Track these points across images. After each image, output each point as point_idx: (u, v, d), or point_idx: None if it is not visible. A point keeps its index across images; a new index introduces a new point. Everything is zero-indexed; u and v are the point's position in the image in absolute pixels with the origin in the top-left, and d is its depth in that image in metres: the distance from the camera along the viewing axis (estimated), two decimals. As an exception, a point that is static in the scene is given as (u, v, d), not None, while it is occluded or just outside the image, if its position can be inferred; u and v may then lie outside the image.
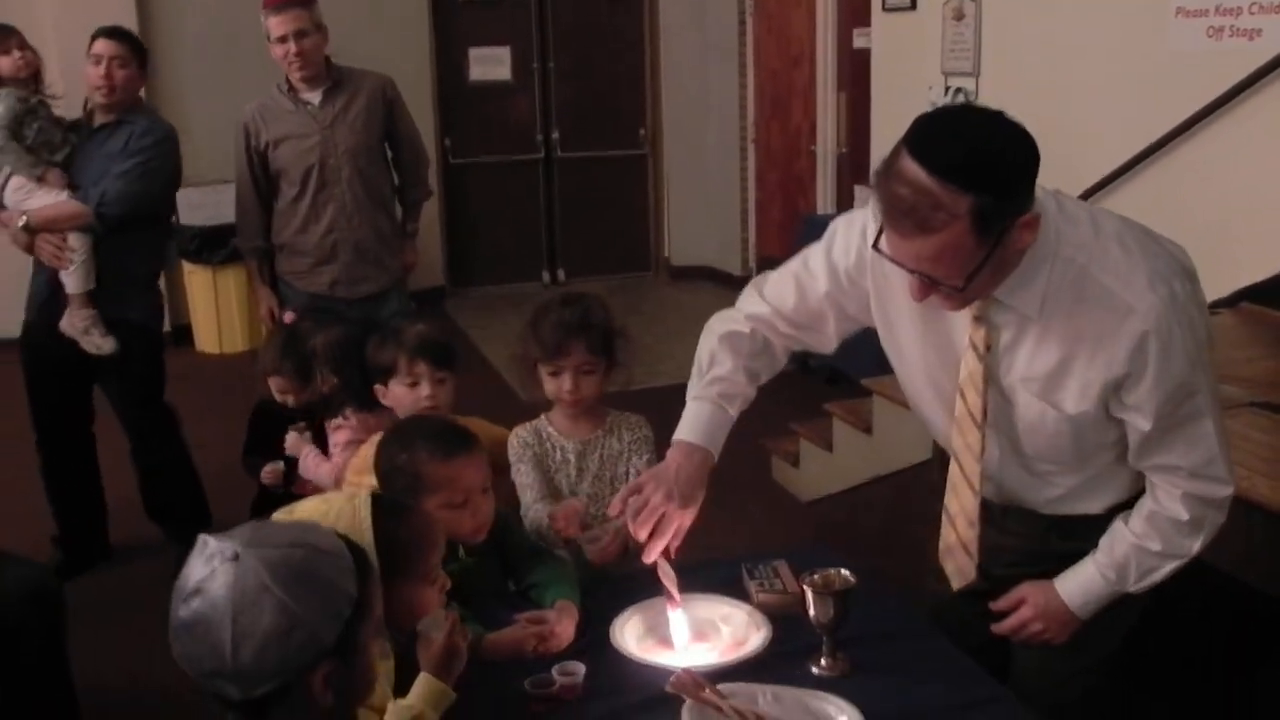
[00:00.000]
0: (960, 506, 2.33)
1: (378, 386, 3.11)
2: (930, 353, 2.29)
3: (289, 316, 4.45)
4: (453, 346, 3.17)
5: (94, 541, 4.74)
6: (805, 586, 2.27)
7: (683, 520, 2.35)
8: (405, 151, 4.92)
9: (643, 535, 2.33)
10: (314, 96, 4.63)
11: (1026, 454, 2.28)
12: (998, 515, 2.41)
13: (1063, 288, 2.07)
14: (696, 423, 2.45)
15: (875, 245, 2.06)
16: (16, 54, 4.24)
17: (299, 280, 4.74)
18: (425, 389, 3.04)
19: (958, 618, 2.55)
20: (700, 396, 2.47)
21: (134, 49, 4.37)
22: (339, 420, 3.36)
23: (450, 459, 2.46)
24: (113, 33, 4.35)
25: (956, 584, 2.41)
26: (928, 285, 2.03)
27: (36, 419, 4.58)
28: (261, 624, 1.48)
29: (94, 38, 4.33)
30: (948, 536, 2.39)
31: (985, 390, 2.19)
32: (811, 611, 2.25)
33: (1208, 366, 2.11)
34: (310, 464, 3.47)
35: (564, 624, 2.36)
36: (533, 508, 2.83)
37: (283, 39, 4.50)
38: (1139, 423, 2.12)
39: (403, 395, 3.06)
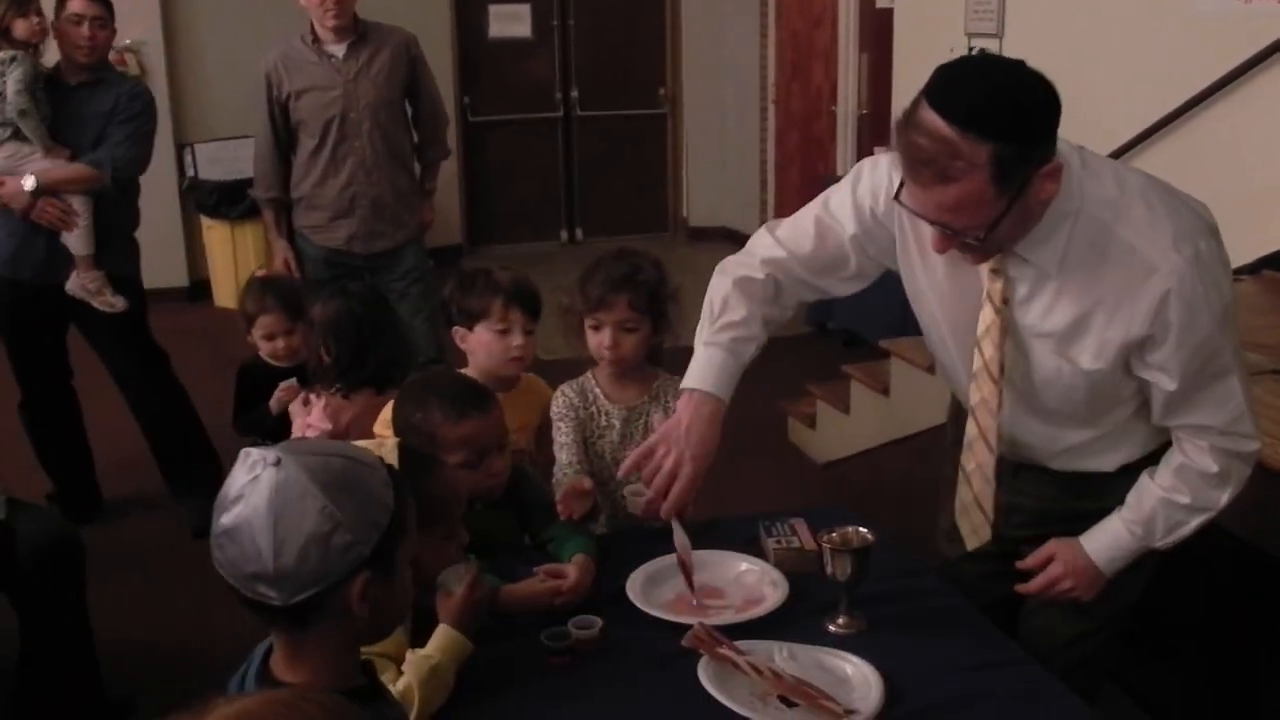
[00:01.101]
0: (977, 464, 2.32)
1: (457, 329, 3.03)
2: (953, 300, 2.26)
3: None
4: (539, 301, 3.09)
5: (86, 496, 4.80)
6: (823, 544, 2.27)
7: (696, 479, 2.31)
8: (425, 110, 4.92)
9: (656, 499, 2.32)
10: (338, 49, 4.62)
11: (1040, 407, 2.26)
12: (1009, 475, 2.39)
13: (1083, 245, 2.05)
14: (708, 370, 2.36)
15: (897, 196, 2.05)
16: (34, 19, 4.25)
17: (316, 234, 4.74)
18: (517, 338, 2.96)
19: (966, 579, 2.55)
20: (711, 342, 2.38)
21: (109, 8, 4.38)
22: (311, 398, 3.27)
23: (464, 419, 2.45)
24: None
25: (972, 544, 2.40)
26: (949, 237, 2.02)
27: (21, 377, 4.62)
28: (303, 527, 1.50)
29: None
30: (964, 495, 2.37)
31: (1002, 344, 2.17)
32: (829, 569, 2.25)
33: (1233, 324, 2.10)
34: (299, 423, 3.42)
35: (581, 578, 2.36)
36: (565, 472, 2.80)
37: None
38: (1164, 383, 2.10)
39: (491, 341, 2.97)
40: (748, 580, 2.41)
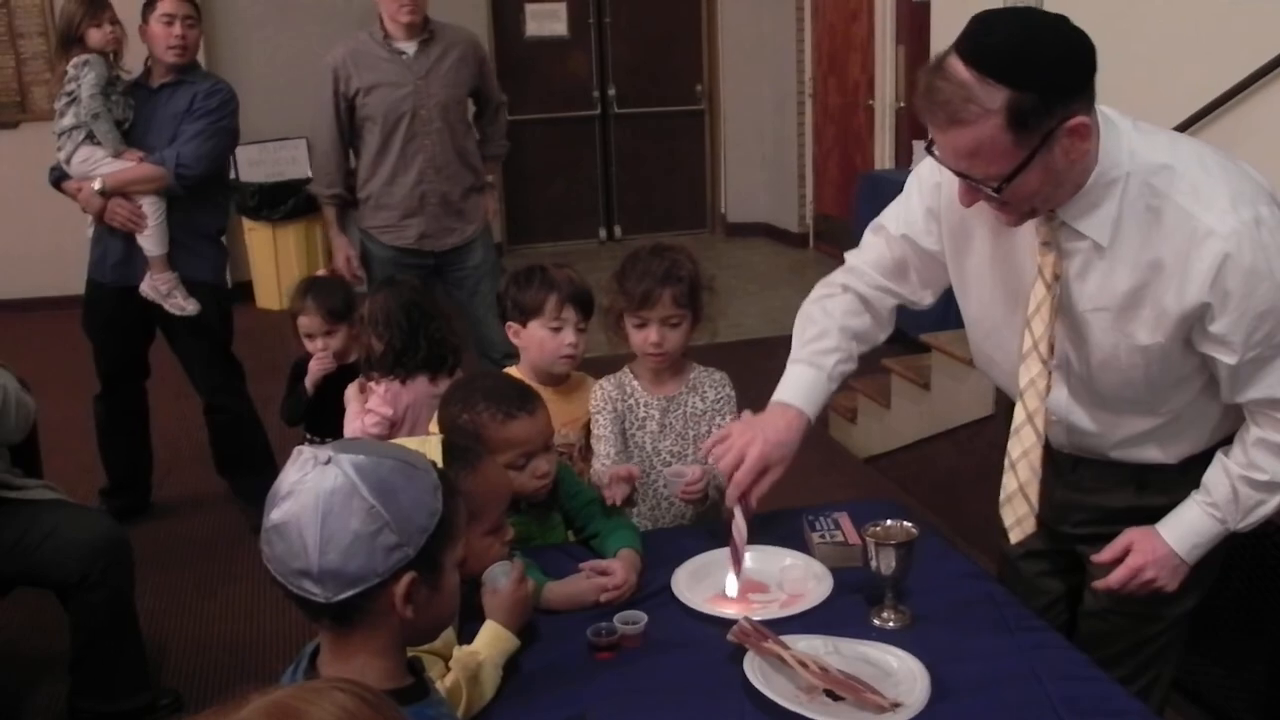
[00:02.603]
0: (1023, 450, 2.23)
1: (511, 324, 3.06)
2: (998, 286, 2.24)
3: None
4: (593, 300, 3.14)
5: (138, 495, 4.86)
6: (867, 538, 2.27)
7: (768, 468, 2.35)
8: (491, 108, 4.98)
9: (726, 469, 2.37)
10: (409, 46, 4.62)
11: (1098, 392, 2.20)
12: (1067, 469, 2.35)
13: (1137, 211, 2.00)
14: (788, 384, 2.45)
15: (929, 147, 2.03)
16: (108, 28, 4.32)
17: (384, 234, 4.75)
18: (569, 335, 2.99)
19: (1025, 578, 2.53)
20: (795, 360, 2.47)
21: (197, 8, 4.45)
22: (366, 383, 3.37)
23: (510, 420, 2.46)
24: None
25: (1015, 536, 2.31)
26: (972, 189, 1.99)
27: (103, 374, 4.67)
28: (350, 525, 1.51)
29: None
30: (1008, 484, 2.28)
31: (1053, 321, 2.11)
32: (873, 563, 2.25)
33: None
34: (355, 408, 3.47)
35: (627, 573, 2.37)
36: (604, 463, 2.82)
37: None
38: (1226, 357, 2.02)
39: (545, 338, 3.00)
40: (792, 575, 2.41)
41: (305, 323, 3.73)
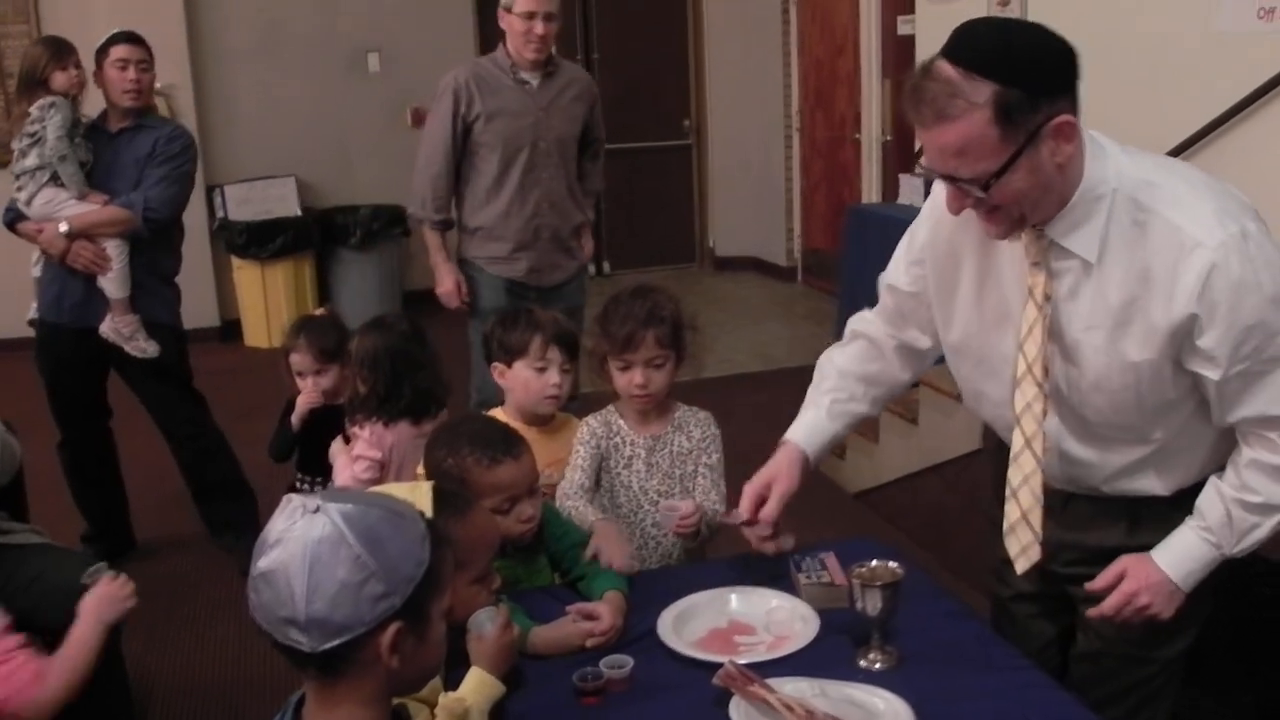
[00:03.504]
0: (1024, 476, 2.21)
1: (496, 365, 3.09)
2: (987, 313, 2.24)
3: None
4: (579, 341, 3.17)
5: (119, 537, 4.84)
6: (853, 579, 2.26)
7: (770, 485, 2.51)
8: (597, 145, 4.92)
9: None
10: (533, 77, 4.56)
11: (1089, 418, 2.18)
12: (1058, 506, 2.31)
13: (1124, 226, 2.01)
14: (795, 428, 2.59)
15: (917, 155, 2.06)
16: (73, 71, 4.34)
17: (494, 265, 4.65)
18: (554, 376, 3.02)
19: (1018, 620, 2.52)
20: (806, 404, 2.60)
21: (149, 52, 4.47)
22: (354, 430, 3.35)
23: (496, 465, 2.45)
24: (132, 37, 4.44)
25: (1021, 565, 2.28)
26: (959, 192, 2.00)
27: (60, 419, 4.66)
28: (337, 574, 1.51)
29: (110, 44, 4.40)
30: (1011, 513, 2.26)
31: (1045, 343, 2.11)
32: (859, 604, 2.24)
33: None
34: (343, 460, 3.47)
35: (614, 618, 2.36)
36: (571, 499, 2.82)
37: (531, 15, 4.42)
38: (1211, 373, 2.01)
39: (530, 379, 3.02)
40: (778, 616, 2.40)
41: (297, 360, 3.73)
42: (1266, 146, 4.53)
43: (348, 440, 3.40)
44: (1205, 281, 1.95)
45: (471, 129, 4.52)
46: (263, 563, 1.55)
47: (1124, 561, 2.21)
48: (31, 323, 4.63)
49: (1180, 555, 2.17)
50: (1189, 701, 3.20)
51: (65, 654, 2.62)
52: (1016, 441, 2.22)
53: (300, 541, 1.53)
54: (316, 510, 1.54)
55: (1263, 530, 2.13)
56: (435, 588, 1.60)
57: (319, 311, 4.23)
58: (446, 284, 4.66)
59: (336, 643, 1.53)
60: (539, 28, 4.40)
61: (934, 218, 2.29)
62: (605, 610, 2.37)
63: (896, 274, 2.44)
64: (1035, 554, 2.26)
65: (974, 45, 1.93)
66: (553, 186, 4.62)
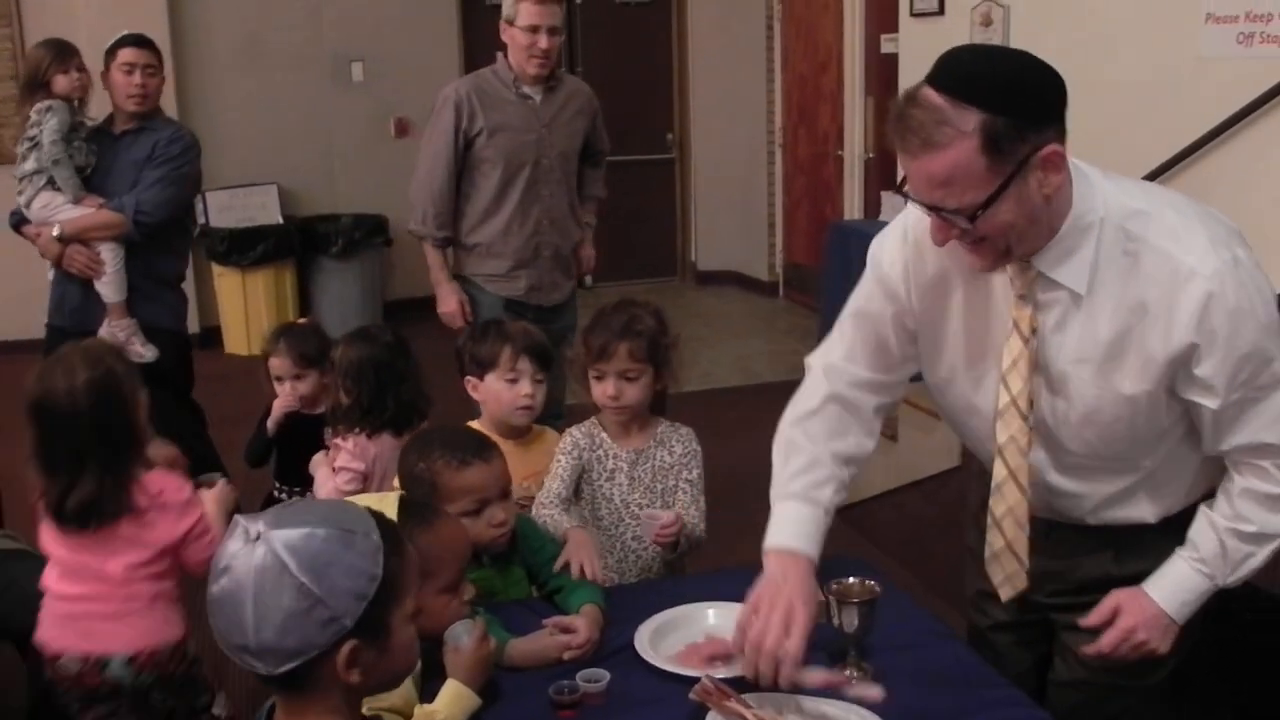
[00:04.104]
0: (1008, 507, 2.19)
1: (469, 379, 3.09)
2: (974, 345, 2.17)
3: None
4: (552, 351, 3.17)
5: None
6: (829, 595, 2.26)
7: (810, 623, 2.13)
8: (601, 157, 4.84)
9: (771, 645, 2.09)
10: (535, 91, 4.44)
11: (1076, 451, 2.14)
12: (1042, 535, 2.25)
13: (1114, 256, 1.98)
14: (784, 525, 2.28)
15: (901, 183, 1.99)
16: (74, 74, 4.34)
17: (492, 283, 4.53)
18: (525, 387, 3.02)
19: (997, 648, 2.50)
20: (782, 495, 2.31)
21: (159, 56, 4.47)
22: (336, 440, 3.32)
23: (465, 467, 2.47)
24: (140, 40, 4.44)
25: (1006, 594, 2.28)
26: (944, 224, 1.95)
27: None
28: (282, 603, 1.51)
29: (119, 46, 4.40)
30: (994, 542, 2.25)
31: (1030, 377, 2.07)
32: (836, 620, 2.24)
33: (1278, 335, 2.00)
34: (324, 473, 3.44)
35: (591, 631, 2.36)
36: (547, 508, 2.82)
37: (534, 29, 4.29)
38: (1209, 402, 1.99)
39: (501, 391, 3.03)
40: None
41: (276, 364, 3.71)
42: (1248, 166, 4.57)
43: (328, 451, 3.39)
44: (1204, 310, 1.93)
45: (473, 144, 4.40)
46: (215, 589, 1.55)
47: (1117, 596, 2.17)
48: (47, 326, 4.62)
49: (1174, 588, 2.14)
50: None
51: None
52: (999, 473, 2.19)
53: (245, 570, 1.52)
54: (258, 538, 1.53)
55: (1257, 560, 2.11)
56: (393, 598, 1.59)
57: (301, 321, 4.22)
58: (449, 304, 4.52)
59: (291, 665, 1.53)
60: (543, 41, 4.30)
61: (917, 245, 2.18)
62: (582, 623, 2.37)
63: (877, 300, 2.28)
64: (1022, 582, 2.25)
65: (961, 73, 1.90)
66: (554, 204, 4.52)
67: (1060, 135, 1.93)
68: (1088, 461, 2.16)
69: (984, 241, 1.96)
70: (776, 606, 2.11)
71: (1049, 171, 1.90)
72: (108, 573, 2.73)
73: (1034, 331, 2.05)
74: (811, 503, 2.28)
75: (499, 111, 4.38)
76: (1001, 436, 2.15)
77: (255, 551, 1.52)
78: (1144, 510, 2.20)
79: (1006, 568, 2.25)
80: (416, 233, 4.56)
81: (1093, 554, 2.28)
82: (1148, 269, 1.97)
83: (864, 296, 2.32)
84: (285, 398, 3.68)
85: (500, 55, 4.46)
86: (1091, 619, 2.18)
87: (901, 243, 2.22)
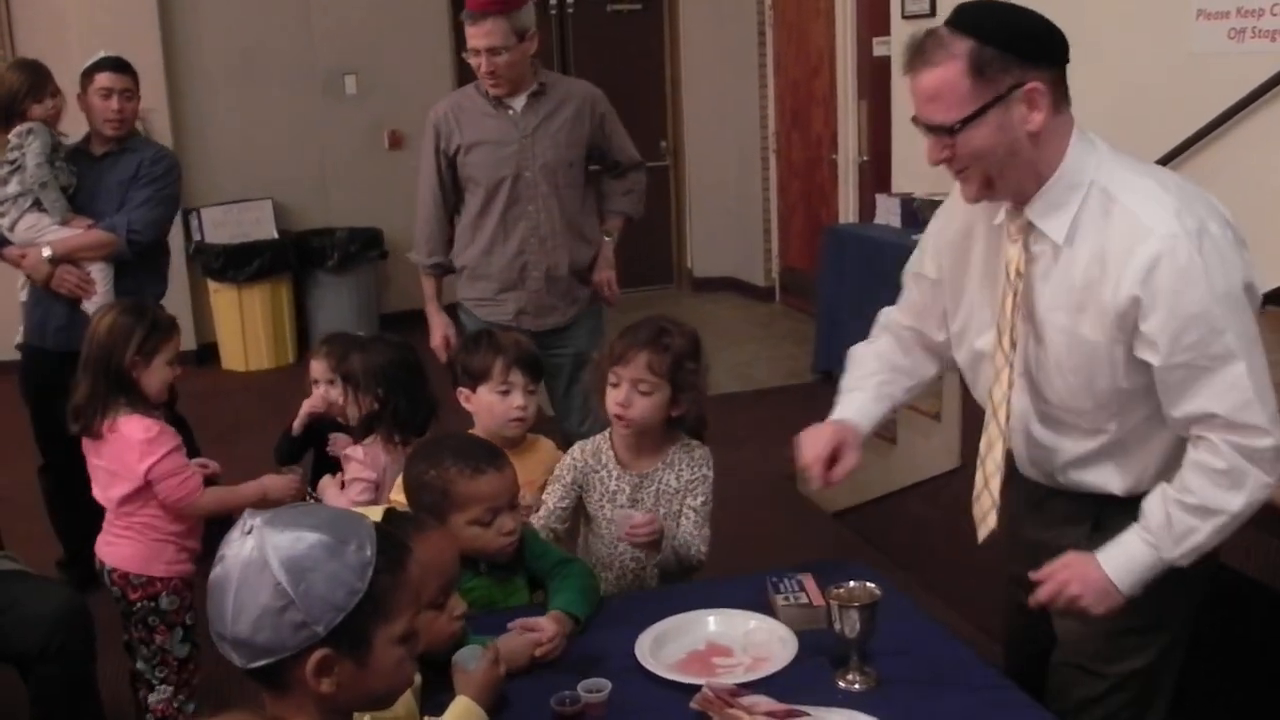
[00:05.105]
0: (989, 445, 2.32)
1: (461, 390, 3.08)
2: (984, 298, 2.35)
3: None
4: (543, 362, 3.14)
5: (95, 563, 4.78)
6: (830, 600, 2.26)
7: (841, 448, 2.50)
8: (623, 167, 4.58)
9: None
10: (516, 101, 4.18)
11: (1050, 401, 2.27)
12: (1037, 502, 2.43)
13: (1093, 215, 2.13)
14: (842, 408, 2.60)
15: (914, 120, 2.19)
16: (49, 102, 4.35)
17: (480, 308, 4.31)
18: (518, 399, 3.01)
19: (1012, 632, 2.61)
20: (847, 389, 2.64)
21: (135, 80, 4.47)
22: (350, 449, 3.25)
23: (479, 475, 2.46)
24: (118, 64, 4.44)
25: (981, 534, 2.37)
26: (935, 143, 2.14)
27: (43, 443, 4.62)
28: (258, 598, 1.54)
29: (95, 70, 4.40)
30: (977, 481, 2.37)
31: (1013, 316, 2.22)
32: (837, 625, 2.24)
33: (1244, 310, 2.07)
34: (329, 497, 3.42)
35: (558, 629, 2.38)
36: (542, 518, 2.84)
37: (475, 52, 4.06)
38: (1153, 358, 2.08)
39: (493, 402, 3.02)
40: (757, 638, 2.40)
41: (315, 366, 3.66)
42: (1241, 162, 4.56)
43: (333, 464, 3.36)
44: (1151, 266, 2.04)
45: (455, 163, 4.22)
46: (211, 575, 1.60)
47: (1068, 556, 2.26)
48: (18, 347, 4.62)
49: (1120, 555, 2.20)
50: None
51: (226, 490, 3.43)
52: (986, 414, 2.34)
53: (235, 562, 1.56)
54: (250, 531, 1.57)
55: (1200, 535, 2.14)
56: (378, 616, 1.60)
57: (361, 334, 4.12)
58: (435, 337, 4.35)
59: (261, 663, 1.56)
60: (484, 63, 4.05)
61: (951, 206, 2.43)
62: (545, 621, 2.39)
63: (921, 261, 2.53)
64: (993, 521, 2.35)
65: (967, 11, 2.13)
66: (541, 221, 4.21)
67: (1051, 81, 2.11)
68: (1062, 415, 2.28)
69: (968, 169, 2.16)
70: (810, 436, 2.51)
71: (1031, 108, 2.09)
72: (110, 498, 3.35)
73: (1019, 274, 2.21)
74: (860, 389, 2.61)
75: (476, 127, 4.19)
76: (988, 374, 2.32)
77: (245, 544, 1.56)
78: (1110, 478, 2.28)
79: (983, 505, 2.36)
80: (414, 261, 4.47)
81: (1074, 525, 2.36)
82: (1114, 224, 2.11)
83: (913, 258, 2.58)
84: (315, 399, 3.63)
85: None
86: (1040, 573, 2.27)
87: (942, 208, 2.49)
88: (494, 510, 2.48)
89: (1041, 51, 2.11)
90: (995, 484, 2.32)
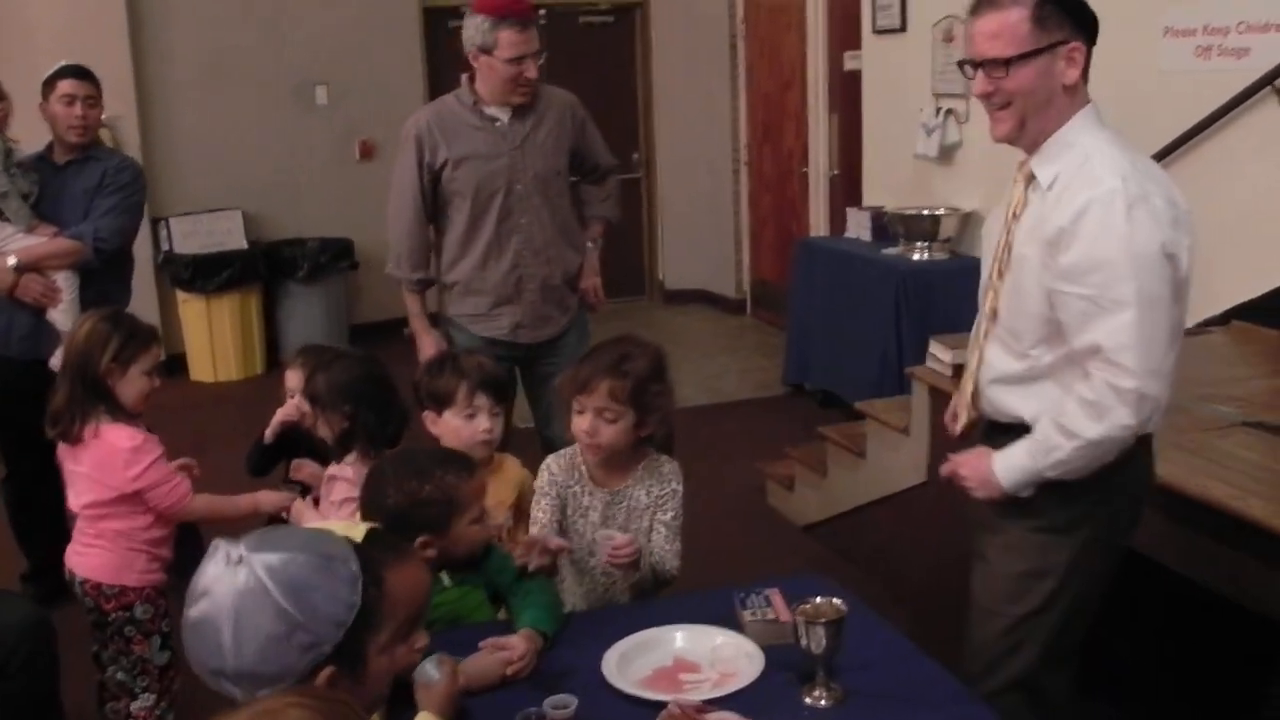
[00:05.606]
0: (970, 349, 2.71)
1: (427, 413, 3.07)
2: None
3: None
4: (509, 382, 3.13)
5: (61, 577, 4.73)
6: (796, 616, 2.26)
7: None
8: (602, 173, 4.53)
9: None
10: (502, 112, 4.09)
11: (1000, 318, 2.59)
12: (996, 438, 2.63)
13: (1071, 169, 2.43)
14: None
15: (961, 64, 2.58)
16: None
17: (474, 324, 4.21)
18: (484, 422, 3.01)
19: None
20: None
21: (98, 86, 4.44)
22: (334, 469, 3.16)
23: (471, 475, 2.53)
24: (80, 72, 4.41)
25: (953, 428, 2.76)
26: (986, 79, 2.46)
27: (6, 453, 4.59)
28: (263, 627, 1.51)
29: (57, 78, 4.37)
30: (963, 381, 2.75)
31: (1004, 247, 2.55)
32: (803, 641, 2.24)
33: (1153, 271, 2.33)
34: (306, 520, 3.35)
35: (529, 648, 2.37)
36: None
37: (519, 59, 3.97)
38: (1062, 286, 2.39)
39: (460, 426, 3.01)
40: (724, 654, 2.39)
41: (290, 376, 3.60)
42: (1209, 177, 4.61)
43: (305, 495, 3.32)
44: (1084, 208, 2.36)
45: (439, 177, 4.10)
46: (193, 612, 1.55)
47: (975, 449, 2.65)
48: None
49: (1007, 455, 2.54)
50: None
51: (222, 500, 3.42)
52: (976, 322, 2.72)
53: (226, 593, 1.52)
54: (240, 561, 1.53)
55: (1063, 453, 2.44)
56: (370, 626, 1.60)
57: (345, 348, 4.04)
58: (427, 353, 4.08)
59: (267, 691, 1.51)
60: (531, 71, 4.00)
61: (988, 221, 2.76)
62: (516, 639, 2.38)
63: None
64: (963, 411, 2.72)
65: None
66: (535, 232, 4.14)
67: (1086, 45, 2.46)
68: (1003, 334, 2.58)
69: (1008, 106, 2.47)
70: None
71: (1069, 63, 2.44)
72: (80, 505, 3.34)
73: (1015, 216, 2.54)
74: None
75: (463, 139, 4.08)
76: (981, 294, 2.66)
77: (237, 574, 1.52)
78: (1021, 403, 2.56)
79: (962, 395, 2.73)
80: (393, 276, 4.30)
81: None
82: (1078, 177, 2.41)
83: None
84: (289, 407, 3.56)
85: (465, 80, 4.16)
86: (945, 466, 2.71)
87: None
88: (482, 505, 2.54)
89: (1086, 21, 2.46)
90: (967, 389, 2.69)
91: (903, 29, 6.66)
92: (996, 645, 2.64)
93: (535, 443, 4.09)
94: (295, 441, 3.60)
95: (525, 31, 3.96)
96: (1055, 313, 2.43)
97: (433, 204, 4.15)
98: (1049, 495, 2.52)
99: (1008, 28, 2.42)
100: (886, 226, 6.53)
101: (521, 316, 4.18)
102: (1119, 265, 2.32)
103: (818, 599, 2.30)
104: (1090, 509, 2.53)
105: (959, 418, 2.74)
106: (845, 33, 7.61)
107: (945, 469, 2.69)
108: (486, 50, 3.98)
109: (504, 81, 4.01)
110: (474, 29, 3.99)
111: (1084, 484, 2.49)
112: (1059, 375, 2.48)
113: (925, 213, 6.25)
